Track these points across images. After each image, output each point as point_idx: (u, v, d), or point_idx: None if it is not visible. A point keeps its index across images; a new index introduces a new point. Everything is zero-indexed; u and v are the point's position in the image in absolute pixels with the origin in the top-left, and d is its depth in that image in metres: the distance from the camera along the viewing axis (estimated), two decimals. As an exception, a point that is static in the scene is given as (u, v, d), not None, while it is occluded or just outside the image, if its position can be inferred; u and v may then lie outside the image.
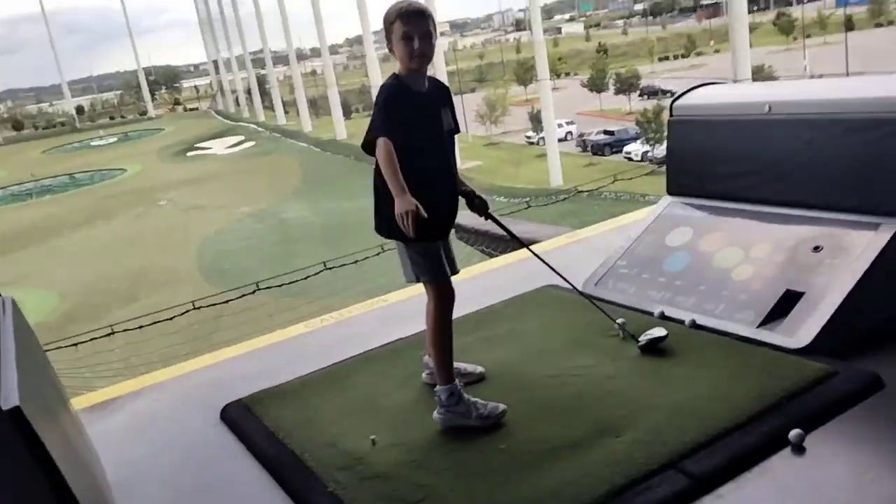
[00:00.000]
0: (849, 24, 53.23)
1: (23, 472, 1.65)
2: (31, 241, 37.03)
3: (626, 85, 50.46)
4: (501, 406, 2.77)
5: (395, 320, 3.98)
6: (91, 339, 6.96)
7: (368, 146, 2.71)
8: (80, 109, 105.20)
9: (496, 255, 6.48)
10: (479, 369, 3.16)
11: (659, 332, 3.18)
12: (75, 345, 6.95)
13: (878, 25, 66.77)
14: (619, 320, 3.33)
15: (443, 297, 2.85)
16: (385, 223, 2.73)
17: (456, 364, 2.89)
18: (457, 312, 3.76)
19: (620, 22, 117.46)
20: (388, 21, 2.80)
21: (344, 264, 6.85)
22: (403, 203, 2.55)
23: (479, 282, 4.58)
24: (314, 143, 50.92)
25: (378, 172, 2.68)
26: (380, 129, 2.66)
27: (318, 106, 63.74)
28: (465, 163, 40.21)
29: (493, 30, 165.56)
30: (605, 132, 41.64)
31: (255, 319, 6.95)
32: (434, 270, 2.84)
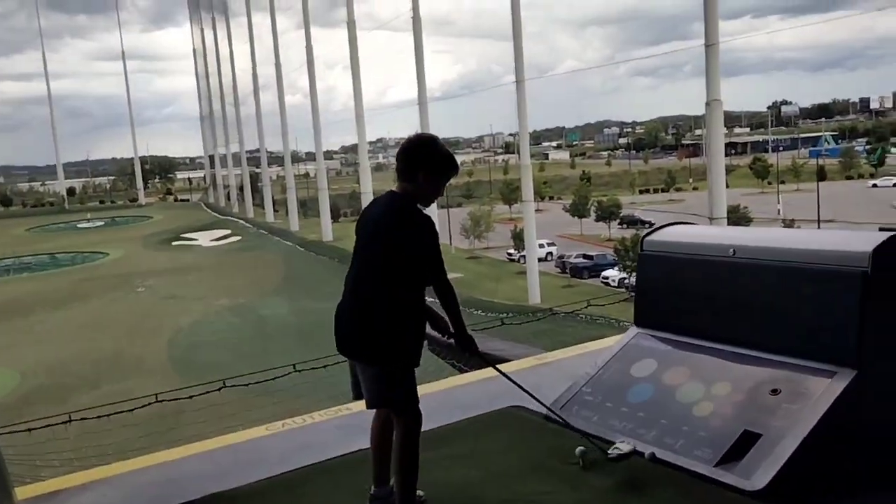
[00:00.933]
0: (821, 174, 55.60)
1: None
2: (2, 318, 36.34)
3: (607, 213, 51.92)
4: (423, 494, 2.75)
5: (357, 429, 3.94)
6: (47, 426, 6.75)
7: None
8: (70, 191, 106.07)
9: (466, 371, 6.50)
10: (421, 494, 3.06)
11: (626, 447, 3.21)
12: (29, 430, 6.73)
13: (849, 178, 69.90)
14: (579, 449, 3.34)
15: (418, 423, 2.87)
16: (383, 348, 2.77)
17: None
18: (424, 426, 3.76)
19: (605, 153, 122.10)
20: (438, 159, 2.94)
21: (314, 367, 6.81)
22: (468, 339, 2.90)
23: (447, 397, 4.58)
24: (300, 242, 51.32)
25: (393, 304, 2.76)
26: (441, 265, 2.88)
27: (307, 207, 64.71)
28: (448, 274, 40.51)
29: (483, 150, 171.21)
30: (585, 256, 42.49)
31: (219, 417, 6.81)
32: (414, 395, 2.86)
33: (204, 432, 5.23)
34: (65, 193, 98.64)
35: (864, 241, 3.19)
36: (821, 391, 3.17)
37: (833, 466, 3.05)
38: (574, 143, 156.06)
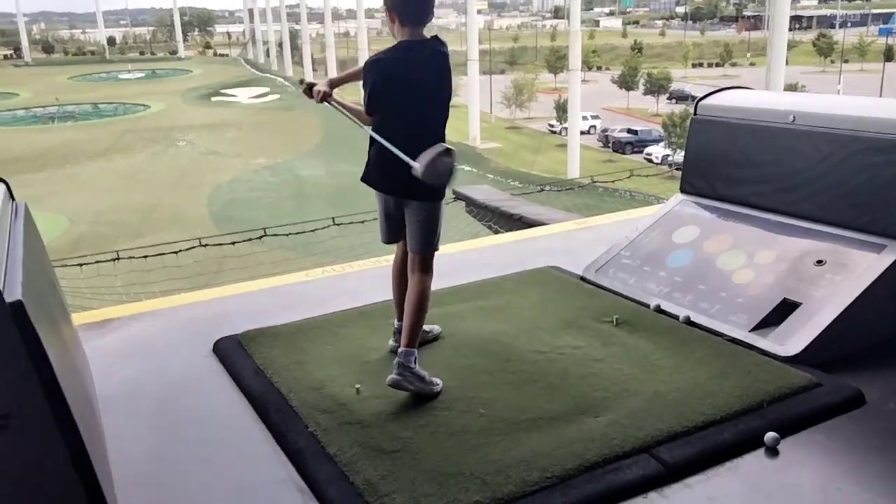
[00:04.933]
0: (889, 54, 52.48)
1: (16, 365, 1.70)
2: (48, 164, 37.11)
3: (656, 86, 50.04)
4: (439, 385, 2.83)
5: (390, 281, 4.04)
6: (96, 262, 7.03)
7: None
8: (111, 41, 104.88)
9: (502, 232, 6.51)
10: (437, 329, 3.25)
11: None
12: (80, 265, 7.01)
13: (920, 59, 66.02)
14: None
15: (431, 268, 2.92)
16: (408, 181, 2.77)
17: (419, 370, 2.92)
18: (457, 281, 3.82)
19: (659, 22, 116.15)
20: None
21: (352, 222, 6.88)
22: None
23: (483, 255, 4.62)
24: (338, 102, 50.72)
25: (432, 137, 2.76)
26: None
27: (346, 67, 63.52)
28: (485, 143, 40.09)
29: (531, 14, 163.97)
30: (629, 131, 41.39)
31: (259, 264, 7.00)
32: (438, 238, 2.91)
33: (246, 277, 5.38)
34: (105, 43, 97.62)
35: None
36: (867, 264, 3.11)
37: (869, 339, 3.04)
38: (628, 9, 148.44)
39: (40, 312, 1.88)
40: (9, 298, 1.66)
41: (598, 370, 2.94)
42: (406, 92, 2.87)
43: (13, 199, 2.63)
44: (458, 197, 7.40)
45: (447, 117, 2.95)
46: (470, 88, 38.00)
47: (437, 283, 2.93)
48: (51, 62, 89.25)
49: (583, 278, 3.90)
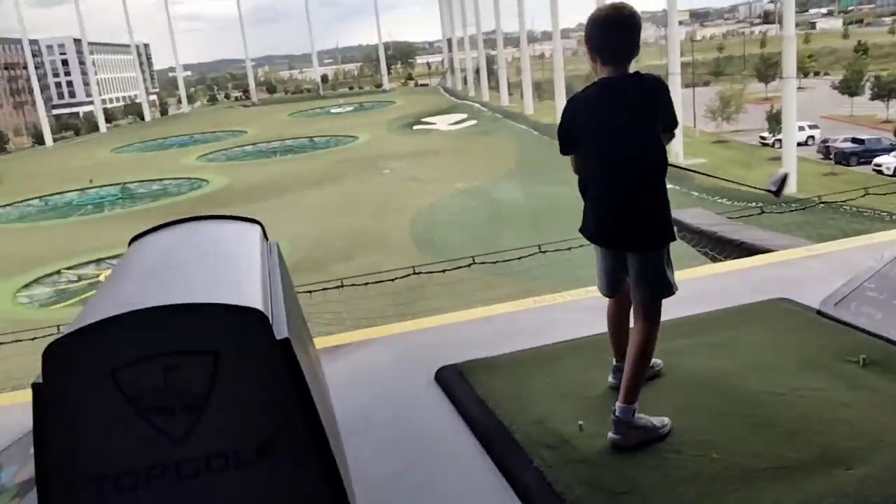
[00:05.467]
0: None
1: (281, 398, 1.87)
2: (271, 194, 40.89)
3: (886, 90, 45.19)
4: (667, 426, 2.67)
5: (602, 313, 3.96)
6: (322, 290, 7.66)
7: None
8: (324, 78, 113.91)
9: (720, 260, 6.17)
10: (659, 363, 3.10)
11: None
12: (310, 292, 7.67)
13: None
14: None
15: (658, 317, 2.78)
16: (634, 231, 2.71)
17: (642, 417, 2.74)
18: (675, 314, 3.66)
19: (888, 19, 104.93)
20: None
21: (558, 249, 6.88)
22: None
23: (703, 286, 4.39)
24: (534, 126, 51.28)
25: (650, 182, 2.68)
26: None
27: (542, 89, 63.97)
28: (689, 158, 38.43)
29: (736, 21, 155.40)
30: (854, 140, 37.68)
31: (468, 292, 7.23)
32: (670, 283, 2.77)
33: (456, 304, 5.56)
34: (319, 80, 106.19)
35: None
36: None
37: None
38: (849, 7, 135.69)
39: (299, 346, 2.06)
40: (278, 336, 1.84)
41: (846, 416, 2.67)
42: (604, 132, 2.72)
43: (267, 238, 2.91)
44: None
45: (661, 155, 2.74)
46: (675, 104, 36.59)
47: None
48: (273, 101, 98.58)
49: (820, 312, 3.59)
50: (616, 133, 2.72)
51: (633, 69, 2.77)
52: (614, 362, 3.04)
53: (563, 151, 2.88)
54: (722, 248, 6.29)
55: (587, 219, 2.85)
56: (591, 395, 3.01)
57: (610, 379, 3.07)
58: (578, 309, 4.18)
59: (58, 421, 1.80)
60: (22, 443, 2.75)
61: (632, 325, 2.83)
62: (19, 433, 2.75)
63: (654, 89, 2.75)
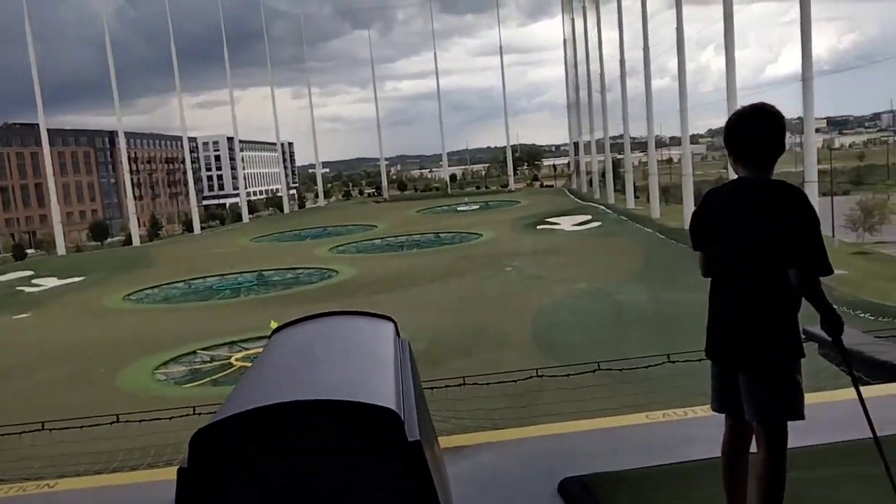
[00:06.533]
0: None
1: (410, 499, 1.88)
2: (396, 286, 41.85)
3: None
4: None
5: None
6: (445, 387, 7.67)
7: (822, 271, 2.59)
8: (452, 177, 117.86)
9: (868, 383, 5.71)
10: None
11: None
12: (431, 388, 7.70)
13: None
14: None
15: (783, 446, 2.57)
16: (766, 347, 2.57)
17: None
18: (816, 440, 3.41)
19: None
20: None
21: (688, 360, 6.61)
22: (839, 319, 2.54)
23: (846, 409, 4.07)
24: (659, 229, 50.31)
25: (775, 295, 2.54)
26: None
27: (669, 193, 63.09)
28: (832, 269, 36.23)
29: (879, 129, 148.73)
30: None
31: (591, 399, 7.03)
32: (798, 407, 2.58)
33: (572, 409, 5.42)
34: (447, 179, 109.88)
35: None
36: None
37: None
38: None
39: (428, 447, 2.08)
40: (410, 437, 1.87)
41: None
42: (732, 235, 2.57)
43: (399, 335, 3.00)
44: (809, 337, 6.62)
45: (787, 280, 2.55)
46: (810, 212, 35.07)
47: (797, 441, 2.63)
48: (403, 198, 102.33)
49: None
50: (743, 238, 2.58)
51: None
52: None
53: (694, 246, 2.79)
54: (870, 368, 5.81)
55: (707, 327, 2.71)
56: (727, 524, 2.82)
57: None
58: (712, 426, 3.96)
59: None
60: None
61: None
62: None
63: (797, 204, 2.58)
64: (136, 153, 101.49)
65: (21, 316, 26.58)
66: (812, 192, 35.87)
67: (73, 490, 4.72)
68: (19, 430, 7.82)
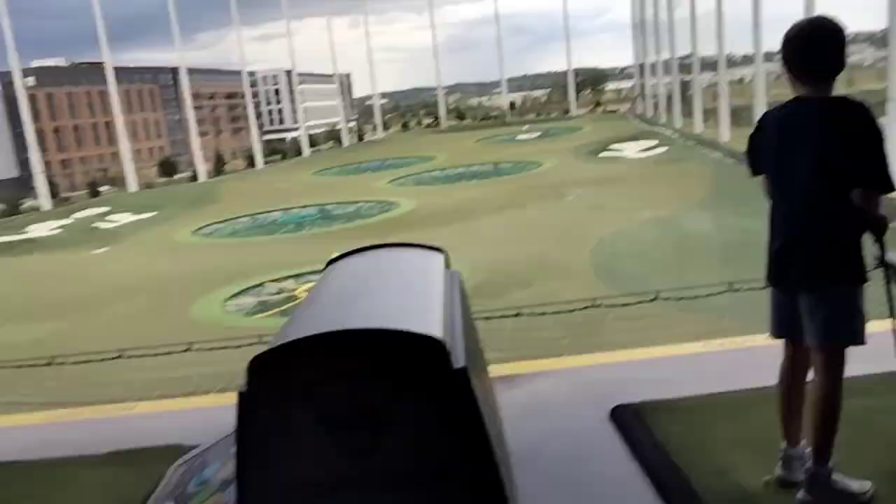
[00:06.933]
0: None
1: (457, 428, 1.93)
2: (454, 220, 41.90)
3: None
4: (869, 491, 2.35)
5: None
6: (501, 317, 7.76)
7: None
8: (511, 105, 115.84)
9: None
10: (868, 490, 2.58)
11: None
12: (487, 318, 7.79)
13: None
14: None
15: (840, 370, 2.53)
16: (826, 266, 2.48)
17: (840, 479, 2.52)
18: (885, 367, 3.32)
19: None
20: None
21: (752, 288, 6.45)
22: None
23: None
24: (729, 154, 48.71)
25: (836, 216, 2.44)
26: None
27: (739, 116, 60.65)
28: (907, 194, 34.58)
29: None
30: None
31: (650, 327, 6.98)
32: (857, 332, 2.51)
33: (636, 339, 5.41)
34: (507, 107, 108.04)
35: None
36: None
37: None
38: None
39: (475, 375, 2.12)
40: (455, 365, 1.91)
41: None
42: (791, 156, 2.49)
43: (449, 267, 3.03)
44: (886, 265, 6.32)
45: (858, 192, 2.49)
46: (891, 131, 33.36)
47: (858, 368, 2.57)
48: (461, 128, 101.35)
49: None
50: (803, 159, 2.51)
51: (844, 93, 2.54)
52: (783, 448, 2.70)
53: (752, 172, 2.70)
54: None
55: (767, 253, 2.64)
56: (777, 450, 2.81)
57: (778, 471, 2.73)
58: (770, 355, 3.90)
59: (257, 426, 1.99)
60: (225, 443, 3.04)
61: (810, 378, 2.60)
62: (223, 433, 3.04)
63: (858, 122, 2.49)
64: (198, 89, 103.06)
65: (98, 251, 27.82)
66: (895, 112, 33.92)
67: (151, 413, 5.02)
68: (99, 357, 8.29)
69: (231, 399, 2.06)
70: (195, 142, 55.36)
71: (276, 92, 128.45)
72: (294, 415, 1.98)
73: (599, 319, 8.91)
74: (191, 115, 56.83)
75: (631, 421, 3.16)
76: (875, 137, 2.46)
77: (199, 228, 36.37)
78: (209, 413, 3.96)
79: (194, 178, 56.47)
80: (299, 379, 1.97)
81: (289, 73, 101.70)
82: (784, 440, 2.71)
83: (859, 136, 2.47)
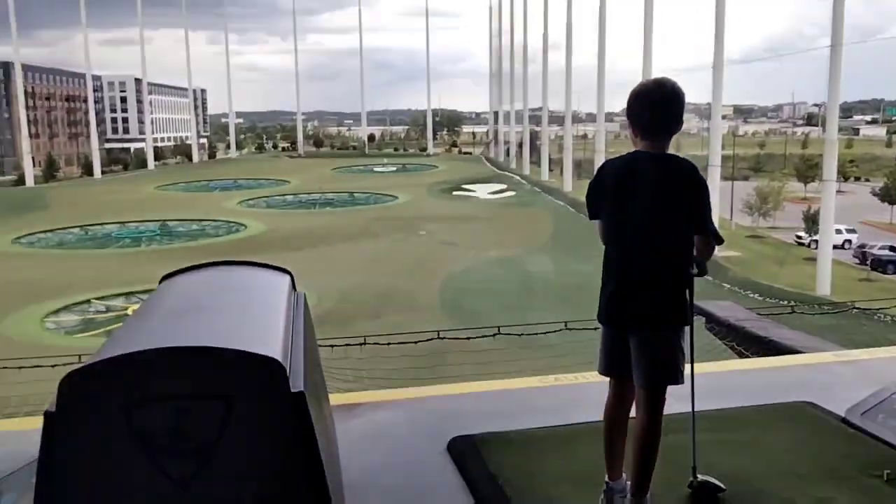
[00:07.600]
0: None
1: (289, 452, 1.85)
2: (306, 244, 41.28)
3: (929, 201, 44.81)
4: None
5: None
6: (346, 345, 7.66)
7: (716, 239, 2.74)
8: (370, 137, 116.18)
9: (748, 356, 6.06)
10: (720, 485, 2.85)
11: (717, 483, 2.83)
12: (332, 346, 7.68)
13: None
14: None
15: (660, 408, 2.66)
16: (671, 309, 2.65)
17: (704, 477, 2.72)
18: (697, 407, 3.56)
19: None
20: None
21: (585, 328, 6.82)
22: None
23: (727, 381, 4.30)
24: (570, 202, 51.55)
25: (666, 262, 2.64)
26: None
27: (582, 168, 64.59)
28: (723, 251, 38.16)
29: (780, 120, 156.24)
30: (892, 248, 37.24)
31: (491, 361, 7.17)
32: (679, 371, 2.69)
33: (477, 373, 5.51)
34: (366, 139, 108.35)
35: None
36: None
37: None
38: (893, 117, 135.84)
39: (314, 400, 2.05)
40: (293, 388, 1.83)
41: (868, 535, 2.56)
42: (626, 204, 2.63)
43: (295, 289, 2.94)
44: (699, 312, 7.06)
45: (685, 242, 2.67)
46: (712, 193, 36.68)
47: (672, 408, 2.73)
48: (318, 155, 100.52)
49: (845, 420, 3.48)
50: (636, 207, 2.63)
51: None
52: (606, 482, 2.76)
53: (590, 215, 2.84)
54: (749, 344, 6.16)
55: (601, 293, 2.75)
56: (602, 485, 2.93)
57: (601, 503, 2.76)
58: (600, 391, 4.11)
59: (65, 451, 1.81)
60: (26, 470, 2.75)
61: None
62: (26, 460, 2.75)
63: (686, 176, 2.67)
64: (33, 88, 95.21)
65: None
66: (714, 176, 37.41)
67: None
68: None
69: (39, 423, 1.86)
70: (25, 143, 50.96)
71: (123, 99, 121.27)
72: (108, 439, 1.82)
73: (444, 352, 9.06)
74: (22, 114, 52.36)
75: (467, 452, 3.19)
76: (705, 192, 2.68)
77: (21, 237, 33.25)
78: (13, 437, 3.58)
79: (21, 181, 51.87)
80: (116, 400, 1.81)
81: (138, 81, 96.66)
82: (607, 473, 2.81)
83: (692, 189, 2.66)
